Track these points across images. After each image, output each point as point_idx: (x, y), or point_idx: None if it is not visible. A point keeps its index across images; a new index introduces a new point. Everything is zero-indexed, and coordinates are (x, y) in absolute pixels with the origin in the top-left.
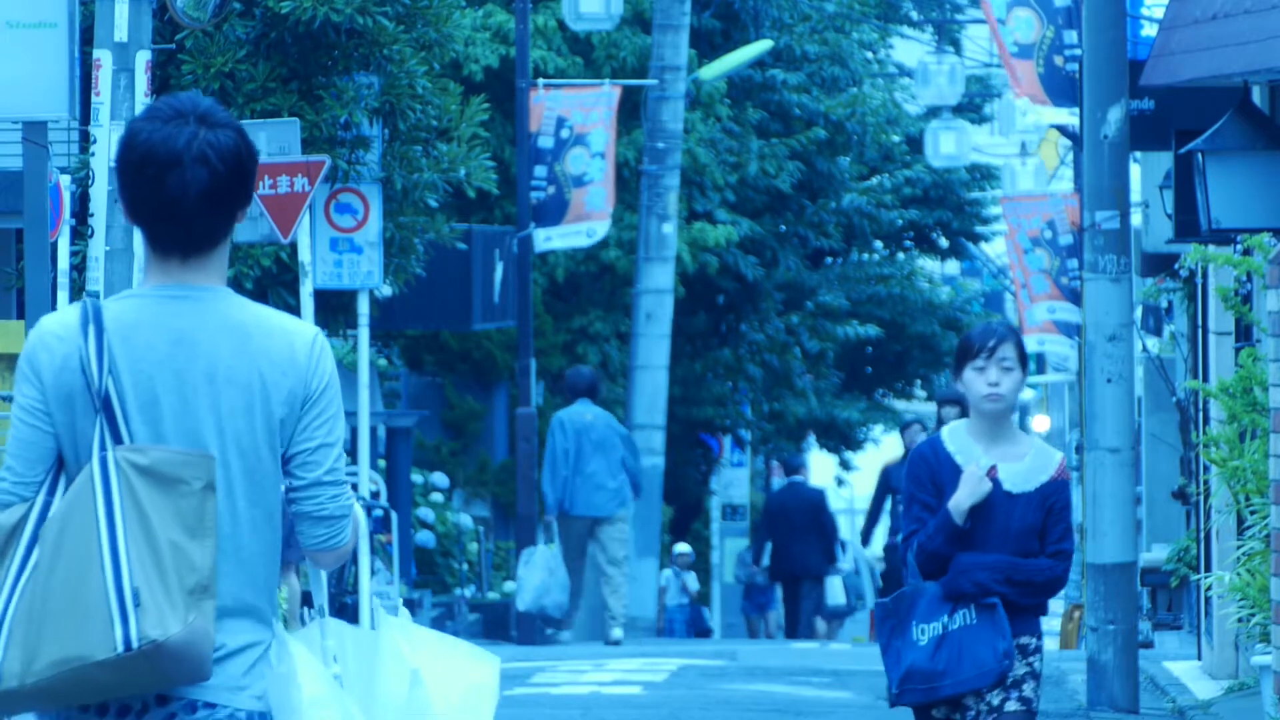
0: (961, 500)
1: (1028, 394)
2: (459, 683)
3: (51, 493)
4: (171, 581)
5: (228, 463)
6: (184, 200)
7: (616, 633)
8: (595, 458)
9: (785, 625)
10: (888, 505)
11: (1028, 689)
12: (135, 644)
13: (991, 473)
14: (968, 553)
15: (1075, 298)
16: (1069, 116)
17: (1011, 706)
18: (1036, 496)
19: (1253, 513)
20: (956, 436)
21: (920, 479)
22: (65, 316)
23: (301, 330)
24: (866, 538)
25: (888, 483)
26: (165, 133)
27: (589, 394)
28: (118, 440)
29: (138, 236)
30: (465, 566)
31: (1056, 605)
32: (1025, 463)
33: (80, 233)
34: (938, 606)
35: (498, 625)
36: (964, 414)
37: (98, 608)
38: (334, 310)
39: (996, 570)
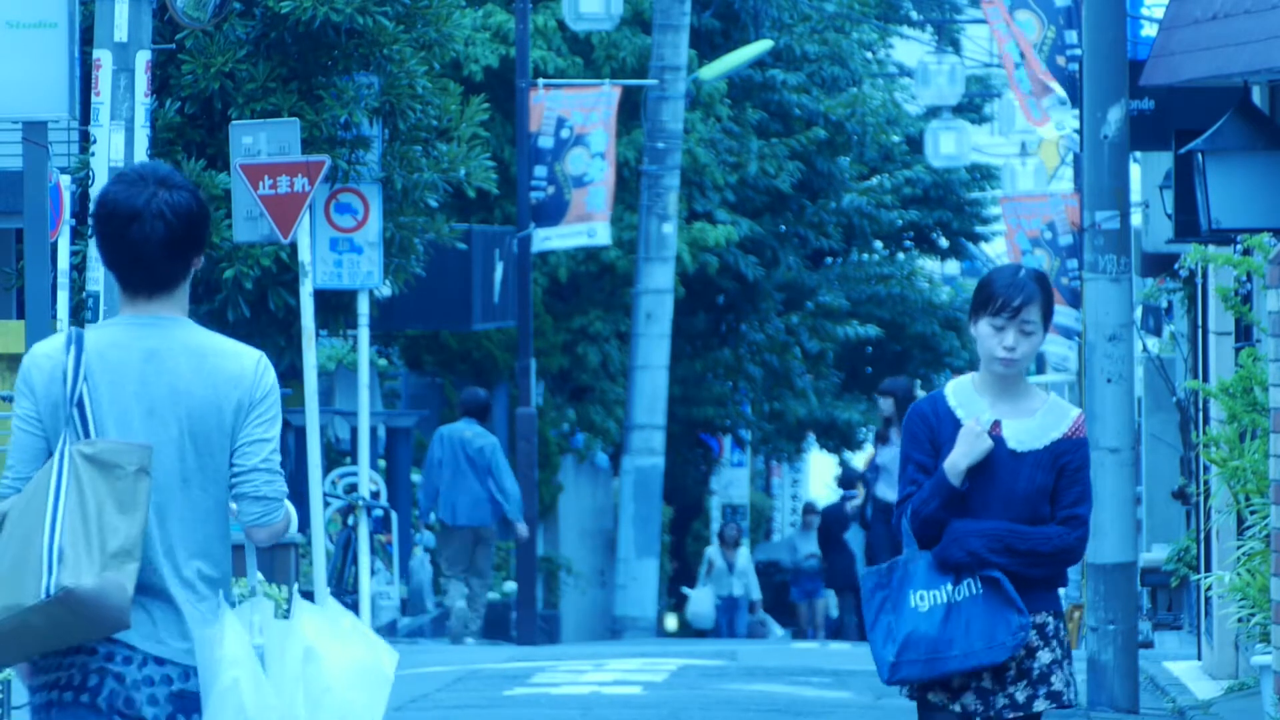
0: (958, 459)
1: None
2: (351, 662)
3: None
4: (94, 544)
5: (186, 458)
6: (145, 248)
7: (468, 641)
8: (469, 473)
9: (838, 629)
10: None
11: (1057, 681)
12: (53, 591)
13: (994, 429)
14: (964, 519)
15: (1075, 298)
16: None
17: (1040, 706)
18: (1046, 455)
19: (1253, 513)
20: (960, 390)
21: (917, 437)
22: (54, 341)
23: (249, 352)
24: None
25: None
26: (129, 193)
27: (477, 415)
28: (87, 436)
29: None
30: None
31: None
32: (1035, 419)
33: (80, 233)
34: (939, 574)
35: (498, 625)
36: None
37: (35, 564)
38: (334, 310)
39: (994, 538)
